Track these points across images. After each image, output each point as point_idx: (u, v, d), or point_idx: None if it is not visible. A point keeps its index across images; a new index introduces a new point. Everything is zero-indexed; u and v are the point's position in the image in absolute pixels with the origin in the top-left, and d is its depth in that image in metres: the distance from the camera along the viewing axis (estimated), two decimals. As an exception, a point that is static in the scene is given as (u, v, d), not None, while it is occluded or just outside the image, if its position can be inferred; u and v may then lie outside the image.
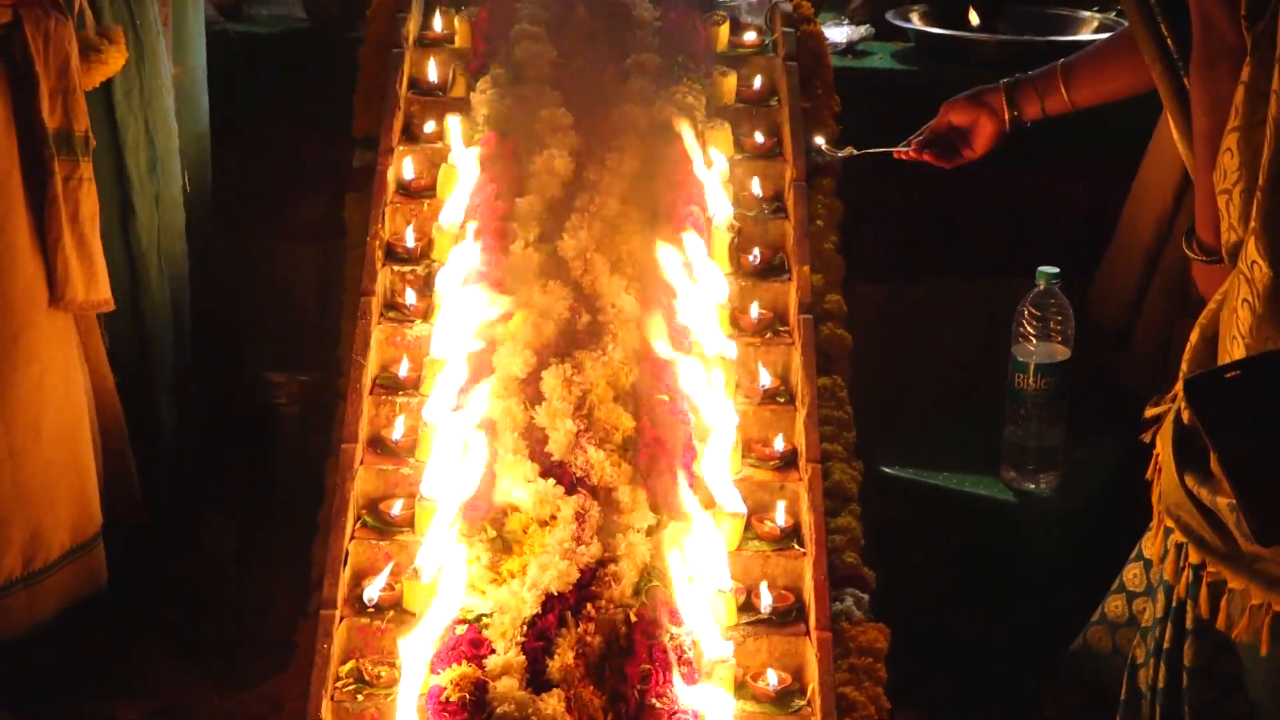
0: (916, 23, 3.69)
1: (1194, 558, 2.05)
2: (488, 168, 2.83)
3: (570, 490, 2.45)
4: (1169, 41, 2.18)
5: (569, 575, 2.32)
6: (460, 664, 2.22)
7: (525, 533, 2.43)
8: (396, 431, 2.60)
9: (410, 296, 2.77)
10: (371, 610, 2.39)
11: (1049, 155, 3.36)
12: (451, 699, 2.18)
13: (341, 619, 2.37)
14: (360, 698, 2.30)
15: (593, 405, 2.54)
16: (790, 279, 2.80)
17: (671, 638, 2.28)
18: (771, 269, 2.84)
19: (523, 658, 2.24)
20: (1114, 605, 2.43)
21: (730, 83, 3.06)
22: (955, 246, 3.62)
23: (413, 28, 3.13)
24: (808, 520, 2.48)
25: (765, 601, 2.41)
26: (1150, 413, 2.18)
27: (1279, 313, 1.92)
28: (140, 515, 3.04)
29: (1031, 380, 2.95)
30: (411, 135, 3.00)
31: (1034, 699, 2.86)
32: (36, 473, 2.73)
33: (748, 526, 2.50)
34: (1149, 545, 2.27)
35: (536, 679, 2.23)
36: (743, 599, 2.42)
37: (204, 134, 3.43)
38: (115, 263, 3.08)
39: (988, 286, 3.57)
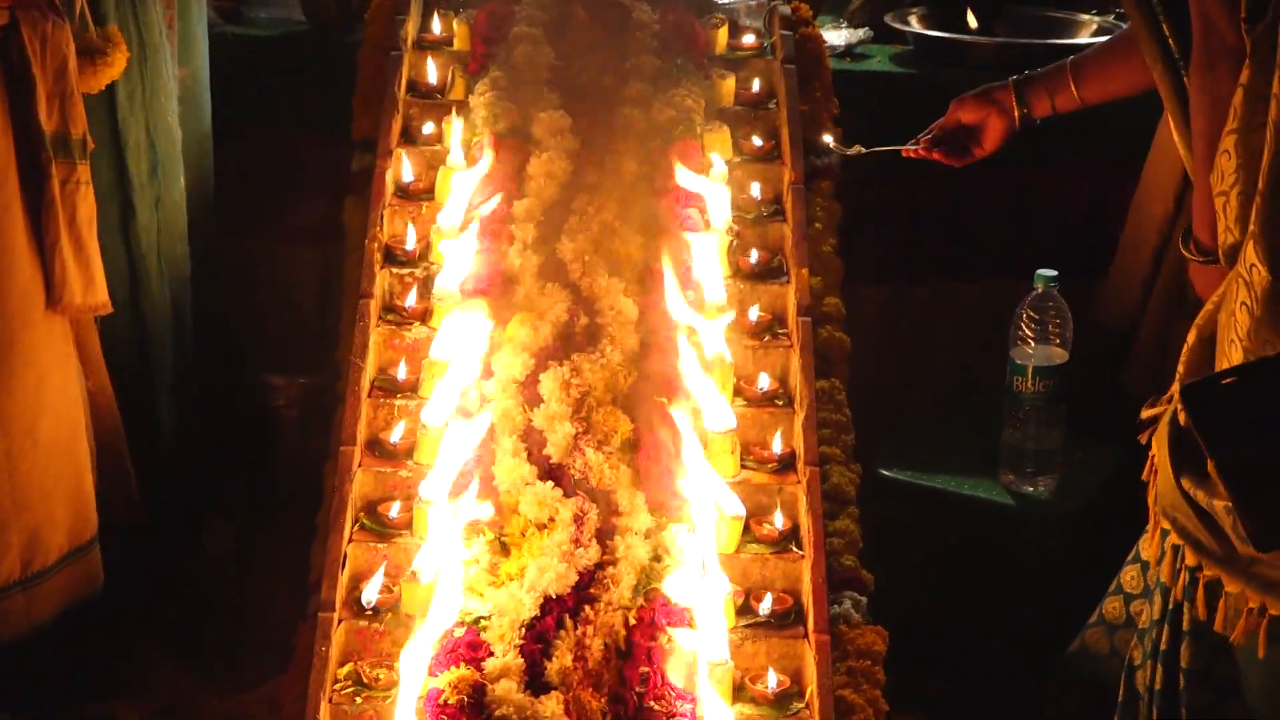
0: (915, 26, 3.70)
1: (1190, 560, 2.05)
2: (486, 170, 2.83)
3: (569, 493, 2.45)
4: (1170, 41, 2.18)
5: (567, 578, 2.32)
6: (458, 666, 2.22)
7: (524, 535, 2.43)
8: (395, 434, 2.60)
9: (409, 299, 2.77)
10: (370, 613, 2.39)
11: (1052, 156, 3.37)
12: (450, 701, 2.18)
13: (340, 621, 2.37)
14: (359, 700, 2.30)
15: (591, 408, 2.54)
16: (789, 281, 2.80)
17: (670, 640, 2.29)
18: (770, 271, 2.84)
19: (521, 660, 2.24)
20: (1111, 607, 2.43)
21: (729, 85, 3.06)
22: (957, 247, 3.62)
23: (411, 30, 3.13)
24: (806, 523, 2.48)
25: (764, 604, 2.41)
26: (1147, 414, 2.19)
27: (1277, 316, 1.92)
28: (138, 517, 3.04)
29: (1030, 383, 2.95)
30: (410, 138, 3.01)
31: (1033, 701, 2.86)
32: (34, 476, 2.73)
33: (746, 529, 2.49)
34: (1146, 547, 2.27)
35: (535, 682, 2.23)
36: (741, 601, 2.42)
37: (207, 136, 3.43)
38: (115, 265, 3.08)
39: (990, 287, 3.57)
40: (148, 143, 3.13)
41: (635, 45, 3.05)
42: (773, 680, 2.33)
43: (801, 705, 2.31)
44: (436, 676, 2.22)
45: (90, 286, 2.79)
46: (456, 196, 2.81)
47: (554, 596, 2.31)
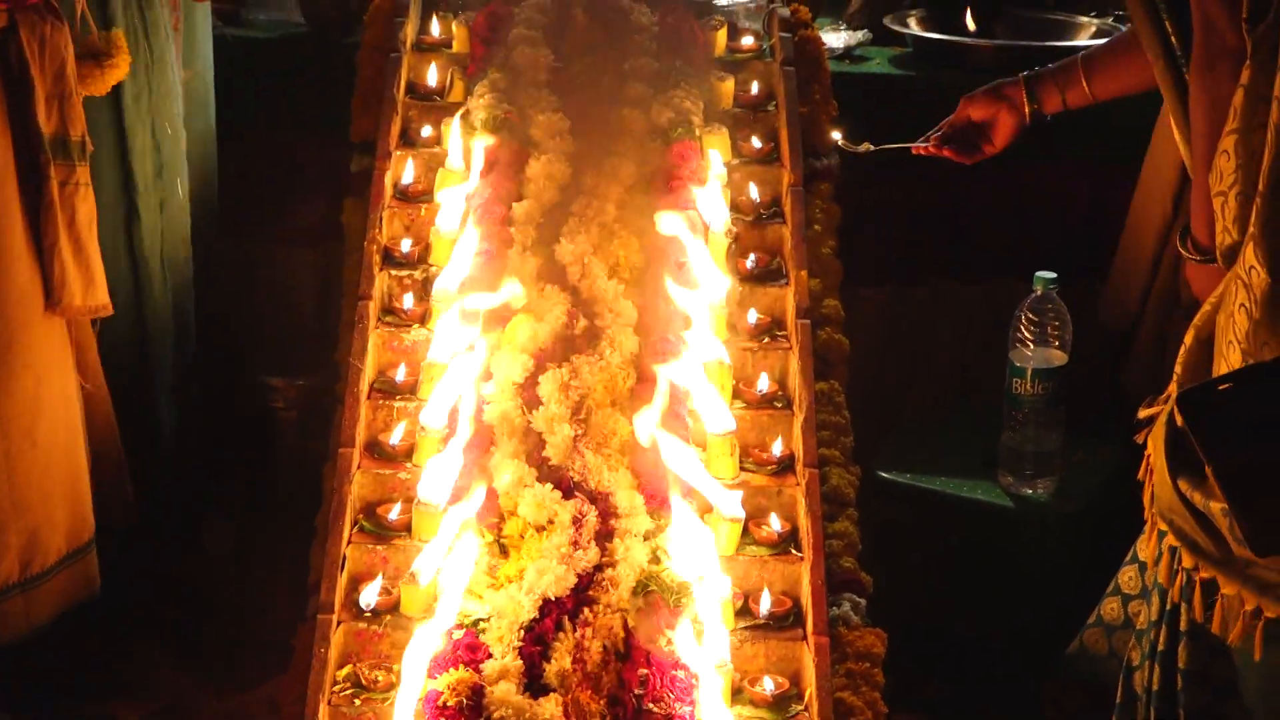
0: (914, 28, 3.70)
1: (1187, 562, 2.05)
2: (485, 172, 2.83)
3: (568, 495, 2.45)
4: (1172, 39, 2.18)
5: (566, 580, 2.32)
6: (457, 669, 2.22)
7: (522, 537, 2.43)
8: (394, 436, 2.60)
9: (408, 301, 2.77)
10: (369, 615, 2.39)
11: (1052, 156, 3.37)
12: (449, 704, 2.18)
13: (339, 623, 2.37)
14: (357, 702, 2.30)
15: (590, 410, 2.54)
16: (788, 284, 2.80)
17: (668, 642, 2.29)
18: (769, 274, 2.84)
19: (520, 662, 2.24)
20: (1109, 608, 2.43)
21: (728, 87, 3.06)
22: (957, 248, 3.62)
23: (410, 32, 3.13)
24: (805, 525, 2.48)
25: (763, 606, 2.41)
26: (1144, 414, 2.19)
27: (1276, 318, 1.92)
28: (133, 519, 3.04)
29: (1029, 385, 2.95)
30: (409, 140, 3.01)
31: (1033, 701, 2.86)
32: (33, 478, 2.73)
33: (745, 531, 2.50)
34: (1143, 548, 2.27)
35: (534, 684, 2.23)
36: (740, 604, 2.42)
37: (211, 138, 3.43)
38: (118, 267, 3.09)
39: (989, 288, 3.57)
40: (153, 145, 3.13)
41: (634, 47, 3.05)
42: (771, 683, 2.33)
43: (800, 708, 2.31)
44: (435, 678, 2.22)
45: (91, 288, 2.79)
46: (455, 199, 2.81)
47: (553, 599, 2.31)
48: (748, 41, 3.19)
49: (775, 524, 2.51)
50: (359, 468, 2.55)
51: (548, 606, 2.30)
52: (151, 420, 3.25)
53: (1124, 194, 3.33)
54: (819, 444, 2.59)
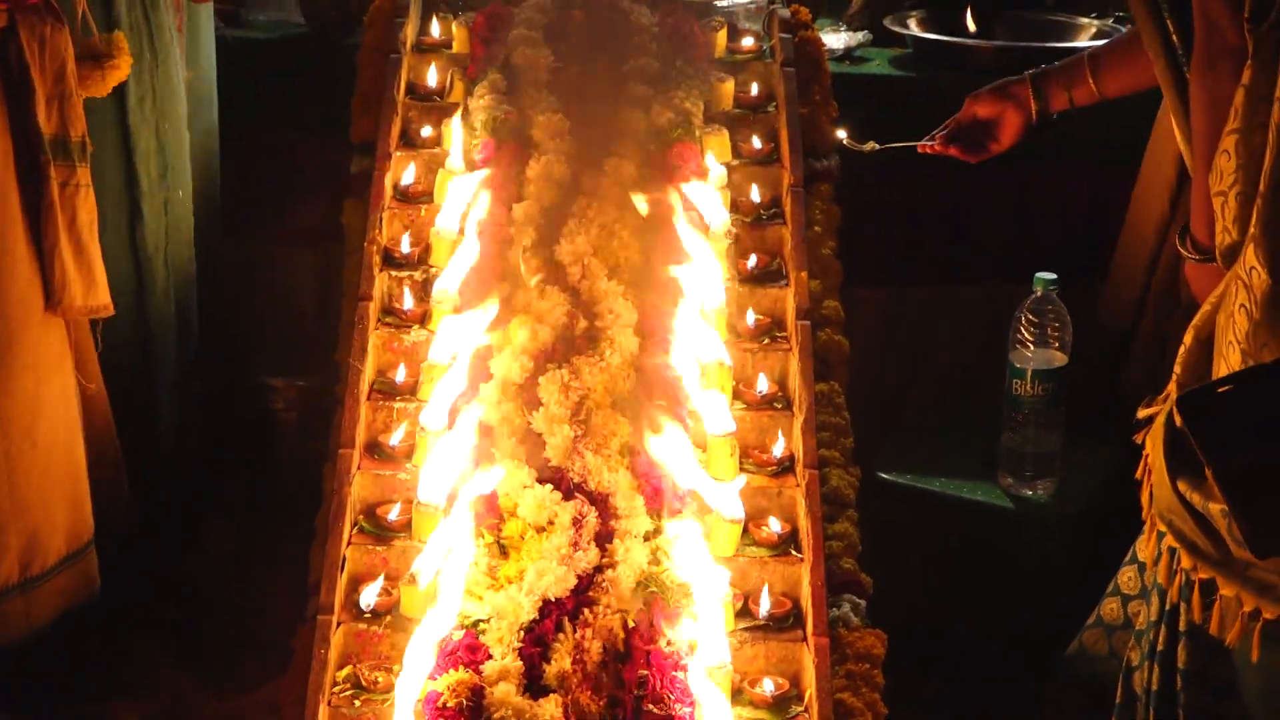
0: (914, 29, 3.70)
1: (1186, 563, 2.05)
2: (485, 173, 2.83)
3: (568, 496, 2.45)
4: (1174, 37, 2.18)
5: (566, 581, 2.32)
6: (457, 669, 2.22)
7: (523, 538, 2.43)
8: (394, 437, 2.60)
9: (408, 302, 2.77)
10: (368, 616, 2.39)
11: (1052, 157, 3.37)
12: (449, 704, 2.18)
13: (338, 624, 2.37)
14: (357, 703, 2.30)
15: (590, 411, 2.54)
16: (788, 285, 2.80)
17: (668, 643, 2.29)
18: (769, 274, 2.84)
19: (520, 663, 2.24)
20: (1109, 608, 2.43)
21: (728, 88, 3.06)
22: (957, 248, 3.62)
23: (410, 33, 3.13)
24: (805, 526, 2.48)
25: (762, 607, 2.41)
26: (1143, 413, 2.19)
27: (1276, 319, 1.92)
28: (131, 521, 3.04)
29: (1029, 387, 2.95)
30: (409, 140, 3.01)
31: (1033, 702, 2.86)
32: (33, 478, 2.73)
33: (745, 532, 2.50)
34: (1143, 548, 2.27)
35: (533, 685, 2.23)
36: (740, 605, 2.42)
37: (213, 138, 3.43)
38: (121, 268, 3.08)
39: (989, 288, 3.57)
40: (157, 146, 3.13)
41: (634, 48, 3.05)
42: (771, 684, 2.33)
43: (800, 709, 2.31)
44: (435, 679, 2.22)
45: (92, 288, 2.79)
46: (455, 199, 2.81)
47: (553, 599, 2.30)
48: (748, 42, 3.19)
49: (775, 525, 2.51)
50: (359, 468, 2.55)
51: (548, 607, 2.30)
52: (154, 420, 3.24)
53: (1124, 194, 3.33)
54: (819, 445, 2.59)
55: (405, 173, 2.94)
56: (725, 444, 2.54)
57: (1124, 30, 2.93)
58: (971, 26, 3.76)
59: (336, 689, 2.32)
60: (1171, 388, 2.13)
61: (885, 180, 3.42)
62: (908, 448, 3.21)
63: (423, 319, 2.75)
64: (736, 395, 2.68)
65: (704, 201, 2.80)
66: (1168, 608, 2.15)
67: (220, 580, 3.29)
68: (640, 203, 2.73)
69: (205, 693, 2.97)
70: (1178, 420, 1.97)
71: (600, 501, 2.45)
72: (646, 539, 2.41)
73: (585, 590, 2.34)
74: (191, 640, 3.10)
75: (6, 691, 2.80)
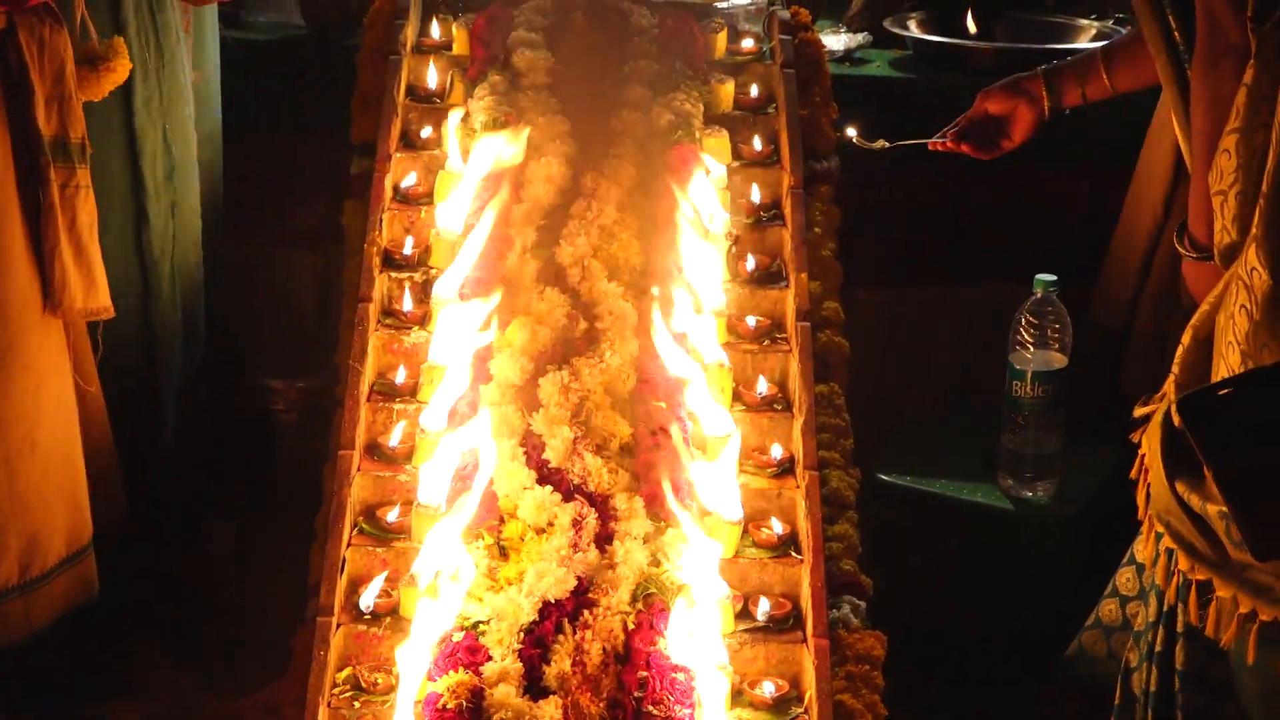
0: (914, 30, 3.70)
1: (1183, 564, 2.05)
2: (485, 175, 2.83)
3: (567, 497, 2.45)
4: (1175, 34, 2.17)
5: (566, 582, 2.32)
6: (457, 671, 2.22)
7: (522, 540, 2.43)
8: (394, 438, 2.60)
9: (408, 303, 2.78)
10: (368, 617, 2.39)
11: (1052, 158, 3.37)
12: (448, 706, 2.18)
13: (338, 626, 2.37)
14: (357, 705, 2.30)
15: (590, 412, 2.54)
16: (788, 286, 2.80)
17: (668, 645, 2.29)
18: (769, 276, 2.84)
19: (520, 665, 2.24)
20: (1108, 609, 2.43)
21: (728, 90, 3.06)
22: (957, 249, 3.62)
23: (410, 34, 3.13)
24: (805, 528, 2.48)
25: (762, 609, 2.41)
26: (1139, 412, 2.19)
27: (1277, 320, 1.92)
28: (125, 524, 3.03)
29: (1029, 388, 2.95)
30: (409, 142, 3.01)
31: (1033, 703, 2.86)
32: (33, 481, 2.73)
33: (745, 534, 2.50)
34: (1141, 549, 2.27)
35: (533, 686, 2.23)
36: (740, 606, 2.42)
37: (217, 139, 3.43)
38: (127, 271, 3.08)
39: (989, 289, 3.57)
40: (164, 148, 3.13)
41: (634, 50, 3.05)
42: (771, 686, 2.33)
43: (800, 710, 2.31)
44: (435, 681, 2.22)
45: (92, 290, 2.78)
46: (455, 200, 2.81)
47: (553, 601, 2.31)
48: (748, 44, 3.19)
49: (775, 526, 2.51)
50: (359, 470, 2.55)
51: (547, 609, 2.30)
52: (159, 424, 3.24)
53: (1123, 195, 3.33)
54: (819, 446, 2.59)
55: (405, 174, 2.94)
56: (725, 445, 2.54)
57: (1124, 31, 2.93)
58: (971, 28, 3.75)
59: (336, 690, 2.32)
60: (1168, 387, 2.13)
61: (885, 181, 3.43)
62: (907, 448, 3.21)
63: (423, 320, 2.75)
64: (736, 396, 2.68)
65: (704, 203, 2.80)
66: (1165, 609, 2.15)
67: (220, 581, 3.28)
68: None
69: (205, 693, 2.97)
70: (1176, 421, 1.97)
71: (600, 503, 2.45)
72: (646, 540, 2.41)
73: (585, 592, 2.34)
74: (191, 641, 3.10)
75: (6, 692, 2.80)
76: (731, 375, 2.65)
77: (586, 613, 2.31)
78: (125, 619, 3.05)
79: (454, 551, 2.38)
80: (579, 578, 2.34)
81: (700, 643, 2.28)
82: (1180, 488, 2.00)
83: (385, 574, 2.42)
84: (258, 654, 2.92)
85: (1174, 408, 1.99)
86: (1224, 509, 1.91)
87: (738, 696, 2.31)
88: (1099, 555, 2.63)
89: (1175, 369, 2.10)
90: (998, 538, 3.00)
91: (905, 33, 3.68)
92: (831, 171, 3.00)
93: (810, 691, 2.30)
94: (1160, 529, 2.09)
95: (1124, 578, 2.41)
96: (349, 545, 2.46)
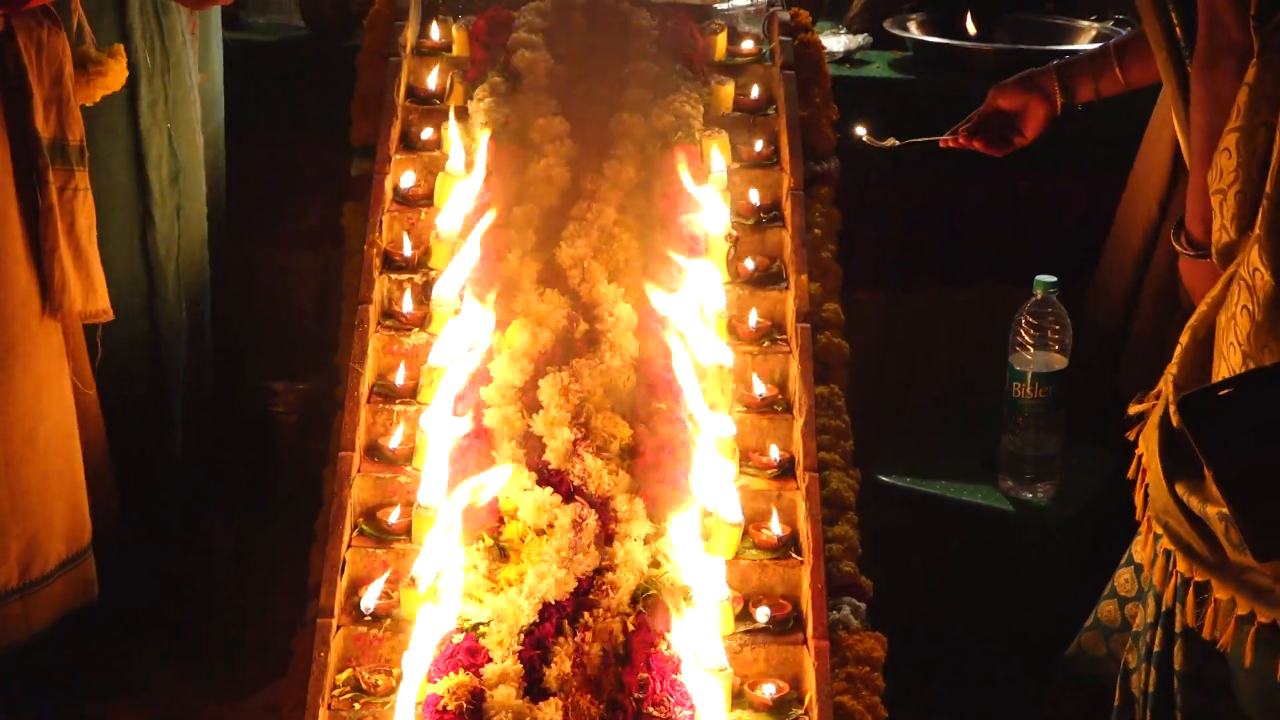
0: (914, 32, 3.70)
1: (1182, 566, 2.05)
2: (485, 176, 2.83)
3: (568, 499, 2.45)
4: (1177, 30, 2.17)
5: (566, 584, 2.32)
6: (457, 672, 2.22)
7: (523, 541, 2.43)
8: (394, 440, 2.60)
9: (407, 304, 2.77)
10: (369, 619, 2.39)
11: (1050, 160, 3.36)
12: (449, 707, 2.18)
13: (338, 627, 2.37)
14: (357, 706, 2.30)
15: (590, 414, 2.54)
16: (788, 287, 2.80)
17: (669, 646, 2.29)
18: (769, 277, 2.84)
19: (520, 666, 2.24)
20: (1106, 610, 2.43)
21: (728, 91, 3.06)
22: (955, 250, 3.62)
23: (410, 36, 3.13)
24: (805, 529, 2.48)
25: (762, 611, 2.41)
26: (1134, 409, 2.19)
27: (1279, 321, 1.92)
28: (119, 527, 3.03)
29: (1029, 389, 2.95)
30: (409, 143, 3.01)
31: (1033, 704, 2.87)
32: (33, 483, 2.73)
33: (745, 535, 2.50)
34: (1139, 550, 2.27)
35: (534, 688, 2.23)
36: (740, 608, 2.42)
37: (220, 141, 3.43)
38: (133, 274, 3.09)
39: (988, 290, 3.57)
40: (169, 151, 3.13)
41: (634, 51, 3.05)
42: (771, 687, 2.33)
43: (800, 712, 2.31)
44: (435, 682, 2.22)
45: (91, 293, 2.79)
46: (455, 202, 2.82)
47: (553, 602, 2.31)
48: (748, 45, 3.19)
49: (775, 528, 2.51)
50: (359, 471, 2.55)
51: (548, 610, 2.30)
52: (165, 426, 3.24)
53: (1120, 197, 3.33)
54: (819, 448, 2.59)
55: (405, 176, 2.94)
56: (725, 447, 2.54)
57: (1124, 33, 2.93)
58: (972, 29, 3.76)
59: (336, 692, 2.32)
60: (1163, 386, 2.12)
61: (884, 182, 3.43)
62: (907, 449, 3.21)
63: (422, 322, 2.75)
64: (736, 398, 2.68)
65: (704, 205, 2.80)
66: (1163, 610, 2.15)
67: (220, 581, 3.29)
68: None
69: (205, 694, 2.97)
70: (1175, 421, 1.97)
71: (600, 504, 2.45)
72: (646, 542, 2.41)
73: (585, 593, 2.34)
74: (191, 641, 3.10)
75: (6, 692, 2.80)
76: (731, 376, 2.65)
77: (587, 614, 2.31)
78: (125, 620, 3.05)
79: (453, 553, 2.38)
80: (579, 579, 2.34)
81: (700, 644, 2.28)
82: (1180, 489, 2.00)
83: (386, 576, 2.42)
84: (258, 655, 2.93)
85: (1172, 408, 1.99)
86: (1224, 511, 1.91)
87: (738, 698, 2.31)
88: (1099, 556, 2.63)
89: (1173, 369, 2.09)
90: (998, 539, 3.00)
91: (905, 34, 3.68)
92: (831, 173, 3.00)
93: (810, 693, 2.30)
94: (1159, 530, 2.09)
95: (1122, 578, 2.41)
96: (349, 547, 2.46)
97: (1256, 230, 1.95)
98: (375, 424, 2.64)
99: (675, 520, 2.44)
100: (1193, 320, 2.10)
